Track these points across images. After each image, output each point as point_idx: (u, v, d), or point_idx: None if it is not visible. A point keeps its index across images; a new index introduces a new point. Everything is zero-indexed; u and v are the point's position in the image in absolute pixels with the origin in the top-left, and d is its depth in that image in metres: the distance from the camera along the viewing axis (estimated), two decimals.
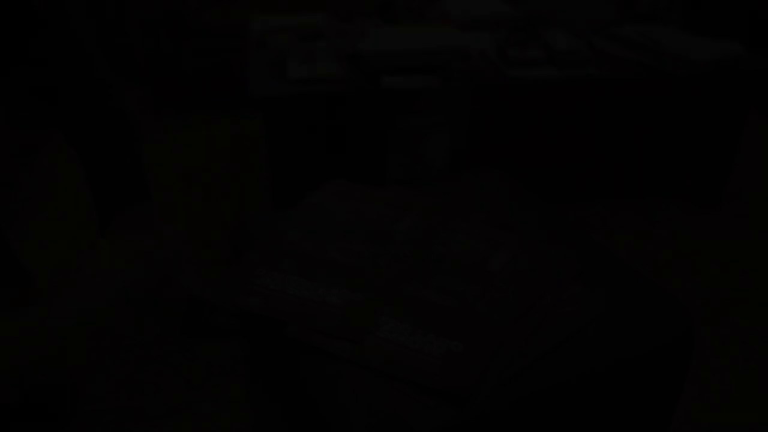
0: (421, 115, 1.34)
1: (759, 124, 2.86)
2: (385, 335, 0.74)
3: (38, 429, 1.14)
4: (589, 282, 0.85)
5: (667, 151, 2.07)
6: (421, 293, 0.80)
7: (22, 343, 0.65)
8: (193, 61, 2.80)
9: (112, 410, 1.40)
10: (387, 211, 0.97)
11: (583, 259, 0.89)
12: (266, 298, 0.80)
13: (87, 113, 0.87)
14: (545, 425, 0.74)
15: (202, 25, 2.74)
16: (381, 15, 2.28)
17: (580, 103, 1.91)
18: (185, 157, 2.54)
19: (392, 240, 0.90)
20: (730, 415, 1.42)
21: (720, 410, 1.43)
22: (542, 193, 2.26)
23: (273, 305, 0.79)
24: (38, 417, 1.29)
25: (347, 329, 0.74)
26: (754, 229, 2.13)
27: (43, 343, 0.66)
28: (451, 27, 2.11)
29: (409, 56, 1.35)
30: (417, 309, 0.77)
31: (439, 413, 0.66)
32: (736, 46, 1.97)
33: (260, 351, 0.92)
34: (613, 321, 0.79)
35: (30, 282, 1.01)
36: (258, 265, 0.85)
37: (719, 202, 2.24)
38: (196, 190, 2.27)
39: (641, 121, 1.99)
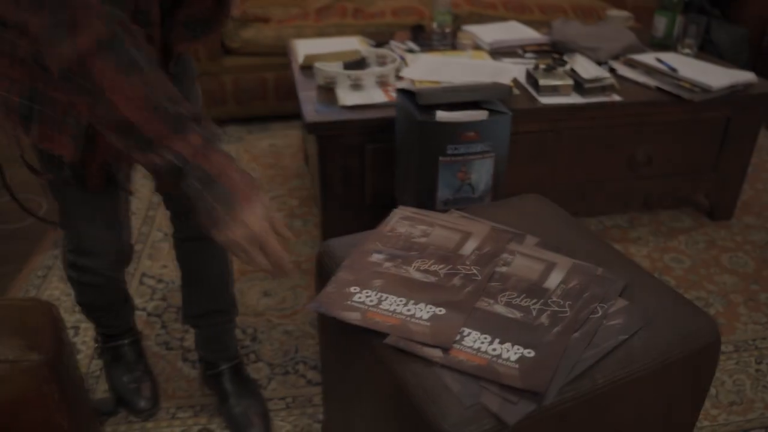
0: (469, 141, 1.50)
1: None
2: (470, 343, 0.90)
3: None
4: (632, 297, 1.00)
5: (682, 166, 2.23)
6: (493, 308, 0.96)
7: None
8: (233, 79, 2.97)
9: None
10: (452, 234, 1.13)
11: (625, 277, 1.05)
12: (364, 312, 0.96)
13: None
14: (602, 418, 0.90)
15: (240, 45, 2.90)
16: (414, 39, 2.44)
17: (602, 125, 2.06)
18: None
19: (462, 261, 1.06)
20: (738, 414, 1.57)
21: (729, 413, 1.59)
22: (566, 206, 2.42)
23: (371, 319, 0.95)
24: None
25: (439, 338, 0.90)
26: (765, 240, 2.28)
27: None
28: (484, 54, 2.27)
29: (461, 93, 1.52)
30: (491, 321, 0.93)
31: (520, 407, 0.82)
32: (748, 74, 2.13)
33: (351, 357, 1.08)
34: (653, 331, 0.95)
35: None
36: (352, 284, 1.02)
37: (731, 215, 2.40)
38: None
39: (658, 139, 2.14)
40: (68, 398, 0.88)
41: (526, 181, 2.08)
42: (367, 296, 0.99)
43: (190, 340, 1.78)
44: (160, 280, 2.03)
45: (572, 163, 2.11)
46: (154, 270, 2.08)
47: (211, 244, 1.42)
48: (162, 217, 2.39)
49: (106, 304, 1.50)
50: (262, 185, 0.94)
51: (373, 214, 1.97)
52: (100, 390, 1.63)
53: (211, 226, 0.91)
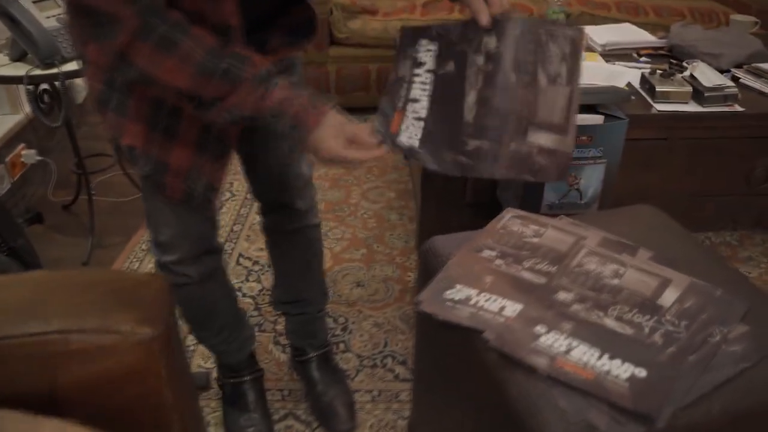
0: (581, 146, 1.45)
1: None
2: (577, 356, 0.86)
3: None
4: (754, 323, 0.94)
5: None
6: (603, 321, 0.92)
7: None
8: None
9: None
10: (564, 237, 1.10)
11: (747, 300, 0.98)
12: (473, 313, 0.94)
13: None
14: None
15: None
16: None
17: (720, 136, 1.95)
18: None
19: (572, 270, 1.02)
20: None
21: None
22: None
23: (478, 319, 0.92)
24: None
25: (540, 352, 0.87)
26: None
27: None
28: (597, 56, 2.19)
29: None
30: (602, 336, 0.89)
31: (629, 429, 0.78)
32: None
33: (449, 358, 1.06)
34: None
35: None
36: (457, 281, 1.00)
37: None
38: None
39: None
40: (175, 374, 0.90)
41: (632, 189, 1.99)
42: (475, 294, 0.97)
43: (282, 323, 1.81)
44: (256, 262, 2.07)
45: (684, 174, 2.01)
46: (250, 252, 2.12)
47: (299, 235, 1.42)
48: None
49: (207, 318, 1.39)
50: (331, 103, 1.01)
51: (472, 213, 1.94)
52: (194, 364, 1.68)
53: (294, 155, 1.03)
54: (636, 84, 2.01)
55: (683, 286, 1.00)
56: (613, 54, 2.27)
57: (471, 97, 0.97)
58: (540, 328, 0.91)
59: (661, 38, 2.39)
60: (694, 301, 0.97)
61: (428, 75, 1.02)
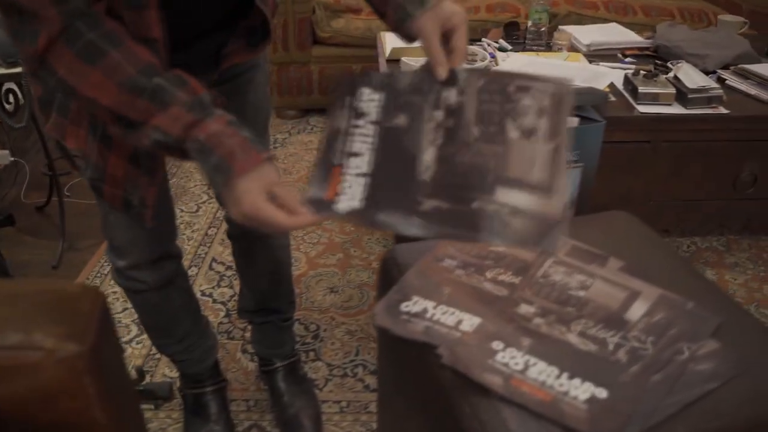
0: None
1: None
2: (534, 375, 0.81)
3: None
4: (725, 339, 0.89)
5: None
6: (566, 336, 0.87)
7: None
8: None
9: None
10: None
11: (719, 314, 0.93)
12: (428, 327, 0.88)
13: None
14: None
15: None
16: (507, 37, 2.34)
17: (705, 139, 1.90)
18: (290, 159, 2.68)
19: (537, 281, 0.97)
20: None
21: None
22: (658, 224, 2.26)
23: (433, 334, 0.87)
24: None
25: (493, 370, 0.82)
26: None
27: None
28: (581, 57, 2.14)
29: None
30: (562, 352, 0.84)
31: None
32: None
33: (406, 376, 1.01)
34: (748, 381, 0.83)
35: None
36: (415, 292, 0.94)
37: None
38: None
39: (766, 157, 1.96)
40: (108, 391, 0.84)
41: (615, 193, 1.95)
42: (431, 307, 0.92)
43: None
44: (229, 267, 2.02)
45: (668, 178, 1.96)
46: (224, 256, 2.07)
47: (265, 243, 1.36)
48: None
49: (165, 326, 1.34)
50: (271, 156, 0.85)
51: None
52: (159, 373, 1.62)
53: (217, 194, 0.86)
54: (619, 85, 1.96)
55: (653, 298, 0.95)
56: (598, 54, 2.22)
57: (429, 155, 0.87)
58: (497, 344, 0.85)
59: (647, 38, 2.35)
60: (663, 315, 0.91)
61: (372, 127, 0.91)
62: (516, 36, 2.33)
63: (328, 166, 0.89)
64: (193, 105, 0.83)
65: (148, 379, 1.59)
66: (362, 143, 0.90)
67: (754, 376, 0.84)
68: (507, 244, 0.86)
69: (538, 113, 0.85)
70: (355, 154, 0.89)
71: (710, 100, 1.84)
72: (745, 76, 2.03)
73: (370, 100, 0.92)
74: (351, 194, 0.86)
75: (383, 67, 2.08)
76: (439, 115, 0.88)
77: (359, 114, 0.91)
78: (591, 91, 1.48)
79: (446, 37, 0.91)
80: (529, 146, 0.84)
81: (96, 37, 0.81)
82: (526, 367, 0.82)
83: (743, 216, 2.10)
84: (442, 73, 0.88)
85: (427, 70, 0.92)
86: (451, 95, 0.89)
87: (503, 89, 0.87)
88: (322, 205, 0.85)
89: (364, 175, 0.87)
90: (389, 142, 0.89)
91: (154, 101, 0.82)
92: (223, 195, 0.84)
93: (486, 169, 0.84)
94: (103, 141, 1.00)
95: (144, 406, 1.53)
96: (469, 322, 0.89)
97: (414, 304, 0.93)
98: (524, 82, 0.87)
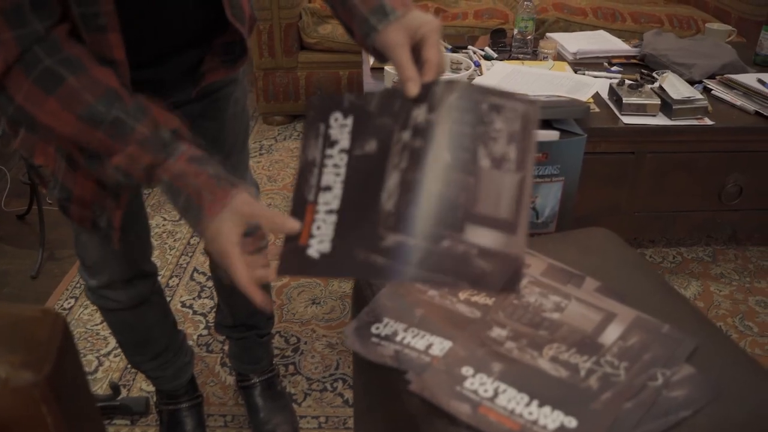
0: (536, 163, 1.38)
1: None
2: (503, 402, 0.79)
3: None
4: (701, 364, 0.87)
5: None
6: (537, 361, 0.85)
7: None
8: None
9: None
10: None
11: (696, 337, 0.91)
12: (398, 351, 0.86)
13: None
14: None
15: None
16: (493, 45, 2.32)
17: (690, 150, 1.89)
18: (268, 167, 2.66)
19: (510, 302, 0.95)
20: None
21: None
22: (643, 235, 2.25)
23: (402, 359, 0.85)
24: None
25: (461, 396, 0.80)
26: None
27: None
28: (566, 65, 2.13)
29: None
30: (533, 379, 0.82)
31: None
32: None
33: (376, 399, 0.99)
34: (723, 407, 0.81)
35: None
36: (386, 314, 0.92)
37: None
38: None
39: (753, 169, 1.95)
40: (67, 420, 0.82)
41: (600, 205, 1.93)
42: (401, 330, 0.89)
43: None
44: (210, 277, 1.99)
45: (653, 189, 1.94)
46: (206, 266, 2.04)
47: None
48: None
49: (139, 343, 1.31)
50: (237, 189, 0.80)
51: None
52: (136, 388, 1.60)
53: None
54: (604, 95, 1.95)
55: (628, 321, 0.93)
56: (584, 63, 2.20)
57: (393, 180, 0.78)
58: (467, 370, 0.84)
59: (634, 46, 2.33)
60: (638, 339, 0.90)
61: (342, 156, 0.82)
62: (502, 44, 2.31)
63: (302, 203, 0.83)
64: (153, 143, 0.79)
65: (124, 393, 1.56)
66: (335, 175, 0.82)
67: (728, 402, 0.82)
68: (472, 288, 0.80)
69: (508, 139, 0.78)
70: (327, 188, 0.82)
71: (695, 111, 1.83)
72: (731, 86, 2.02)
73: (342, 125, 0.83)
74: (320, 236, 0.79)
75: (367, 75, 2.06)
76: (407, 135, 0.79)
77: (331, 142, 0.83)
78: (572, 104, 1.47)
79: (417, 50, 0.82)
80: (499, 177, 0.77)
81: (53, 63, 0.77)
82: (496, 394, 0.80)
83: (729, 227, 2.08)
84: (413, 89, 0.79)
85: (396, 87, 0.85)
86: (420, 113, 0.80)
87: (476, 107, 0.80)
88: (296, 251, 0.80)
89: (333, 212, 0.80)
90: (358, 172, 0.81)
91: (112, 136, 0.78)
92: (197, 233, 0.81)
93: (456, 203, 0.77)
94: (69, 162, 0.98)
95: (119, 422, 1.51)
96: (440, 345, 0.87)
97: (385, 327, 0.91)
98: (497, 99, 0.82)
